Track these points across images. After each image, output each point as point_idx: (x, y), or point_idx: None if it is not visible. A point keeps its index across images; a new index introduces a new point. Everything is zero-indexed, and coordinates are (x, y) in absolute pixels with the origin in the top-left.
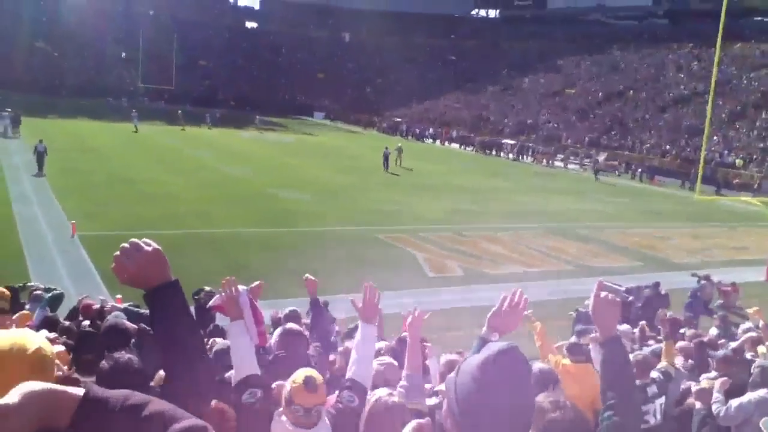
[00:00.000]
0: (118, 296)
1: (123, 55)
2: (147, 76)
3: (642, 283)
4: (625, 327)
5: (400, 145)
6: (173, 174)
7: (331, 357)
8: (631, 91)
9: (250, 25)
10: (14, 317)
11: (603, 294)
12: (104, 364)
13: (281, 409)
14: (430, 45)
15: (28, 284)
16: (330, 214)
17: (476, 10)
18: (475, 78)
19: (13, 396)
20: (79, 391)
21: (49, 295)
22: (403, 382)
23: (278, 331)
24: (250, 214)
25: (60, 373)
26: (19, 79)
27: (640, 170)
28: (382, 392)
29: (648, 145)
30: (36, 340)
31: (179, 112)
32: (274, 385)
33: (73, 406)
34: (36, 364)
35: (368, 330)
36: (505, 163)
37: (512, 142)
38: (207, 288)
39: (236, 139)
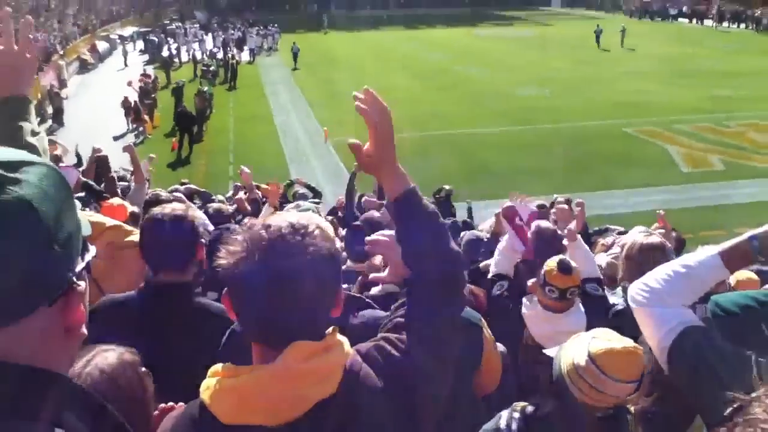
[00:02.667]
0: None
1: None
2: None
3: None
4: None
5: (623, 25)
6: (412, 78)
7: None
8: None
9: None
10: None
11: None
12: None
13: (533, 295)
14: None
15: (294, 185)
16: (572, 109)
17: None
18: None
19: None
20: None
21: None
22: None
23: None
24: (489, 114)
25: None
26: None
27: None
28: (637, 235)
29: None
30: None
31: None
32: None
33: None
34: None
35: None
36: None
37: None
38: (447, 186)
39: (472, 38)
